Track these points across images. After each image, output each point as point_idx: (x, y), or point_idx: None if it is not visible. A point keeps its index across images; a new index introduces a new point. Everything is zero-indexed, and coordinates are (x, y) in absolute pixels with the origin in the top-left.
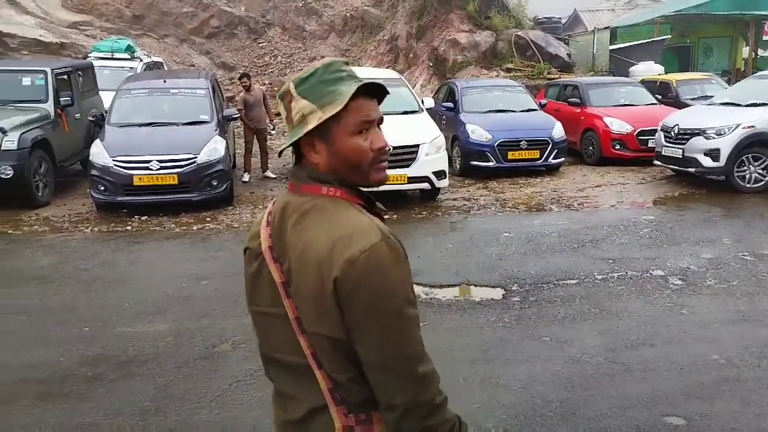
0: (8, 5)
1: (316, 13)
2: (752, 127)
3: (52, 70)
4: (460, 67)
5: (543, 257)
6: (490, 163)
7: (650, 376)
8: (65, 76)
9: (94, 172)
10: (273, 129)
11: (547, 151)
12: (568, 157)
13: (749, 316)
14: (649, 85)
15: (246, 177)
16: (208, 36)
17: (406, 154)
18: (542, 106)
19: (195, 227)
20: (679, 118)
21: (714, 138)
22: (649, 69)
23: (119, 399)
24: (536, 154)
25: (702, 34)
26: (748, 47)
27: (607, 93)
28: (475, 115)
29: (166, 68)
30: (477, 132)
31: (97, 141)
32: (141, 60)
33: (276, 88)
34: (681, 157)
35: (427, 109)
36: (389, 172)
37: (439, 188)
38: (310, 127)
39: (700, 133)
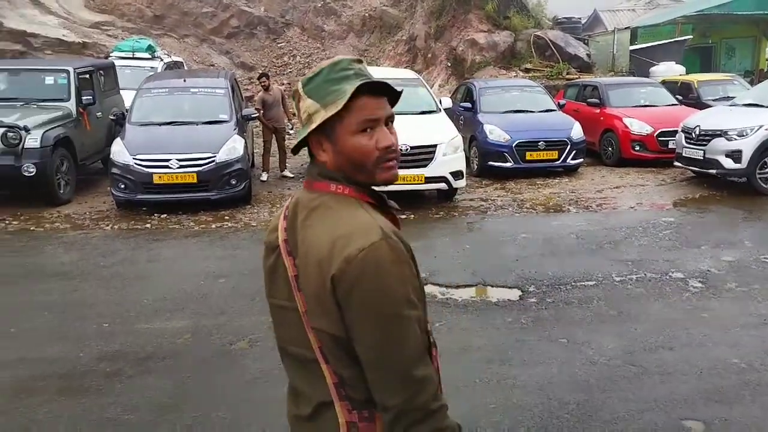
0: (32, 5)
1: (334, 13)
2: None
3: (74, 69)
4: (478, 67)
5: (560, 258)
6: (508, 164)
7: (669, 379)
8: (87, 76)
9: (114, 170)
10: (291, 128)
11: (566, 151)
12: (586, 158)
13: None
14: (670, 85)
15: (264, 176)
16: (228, 36)
17: (424, 154)
18: (561, 107)
19: (213, 225)
20: (701, 119)
21: (736, 139)
22: (669, 69)
23: (137, 395)
24: (554, 154)
25: (724, 34)
26: None
27: (627, 93)
28: (493, 115)
29: (186, 68)
30: (495, 132)
31: (118, 139)
32: (161, 60)
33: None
34: (702, 158)
35: (445, 109)
36: (406, 172)
37: (456, 188)
38: (314, 126)
39: (722, 134)
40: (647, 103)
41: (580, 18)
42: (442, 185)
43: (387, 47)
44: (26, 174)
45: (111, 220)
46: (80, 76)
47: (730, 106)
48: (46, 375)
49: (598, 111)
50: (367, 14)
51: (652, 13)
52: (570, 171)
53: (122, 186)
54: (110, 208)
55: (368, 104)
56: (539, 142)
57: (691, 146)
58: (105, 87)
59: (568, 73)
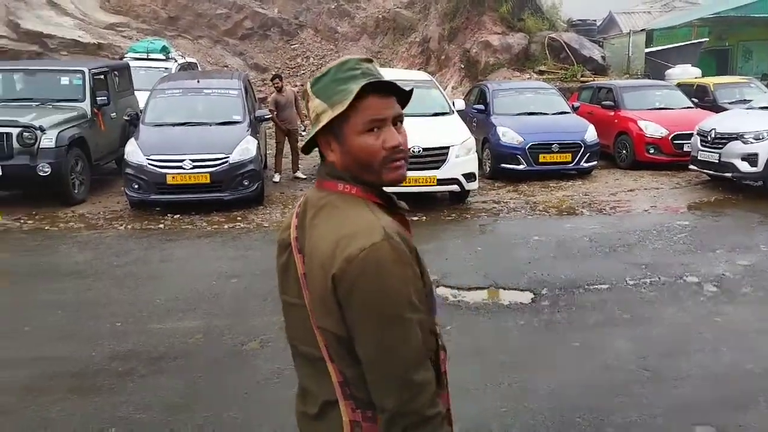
0: (49, 7)
1: (348, 14)
2: None
3: (89, 70)
4: (492, 69)
5: (573, 261)
6: (521, 166)
7: (682, 384)
8: (102, 76)
9: (128, 170)
10: (304, 130)
11: (579, 154)
12: (600, 161)
13: None
14: (686, 88)
15: (277, 177)
16: (242, 37)
17: (436, 156)
18: (575, 109)
19: (226, 226)
20: (716, 122)
21: (752, 142)
22: (685, 72)
23: (149, 394)
24: (568, 157)
25: (741, 36)
26: None
27: (642, 96)
28: (506, 117)
29: (200, 69)
30: (508, 134)
31: (132, 140)
32: (175, 61)
33: None
34: (717, 161)
35: (458, 111)
36: (418, 173)
37: (468, 191)
38: (322, 125)
39: (738, 137)
40: (662, 106)
41: (595, 20)
42: (455, 187)
43: (400, 49)
44: (41, 174)
45: (125, 220)
46: (95, 77)
47: (747, 109)
48: (58, 373)
49: (612, 113)
50: (380, 16)
51: (667, 16)
52: (584, 174)
53: (136, 186)
54: (124, 208)
55: (375, 104)
56: (553, 144)
57: (707, 149)
58: (119, 88)
59: (582, 76)
